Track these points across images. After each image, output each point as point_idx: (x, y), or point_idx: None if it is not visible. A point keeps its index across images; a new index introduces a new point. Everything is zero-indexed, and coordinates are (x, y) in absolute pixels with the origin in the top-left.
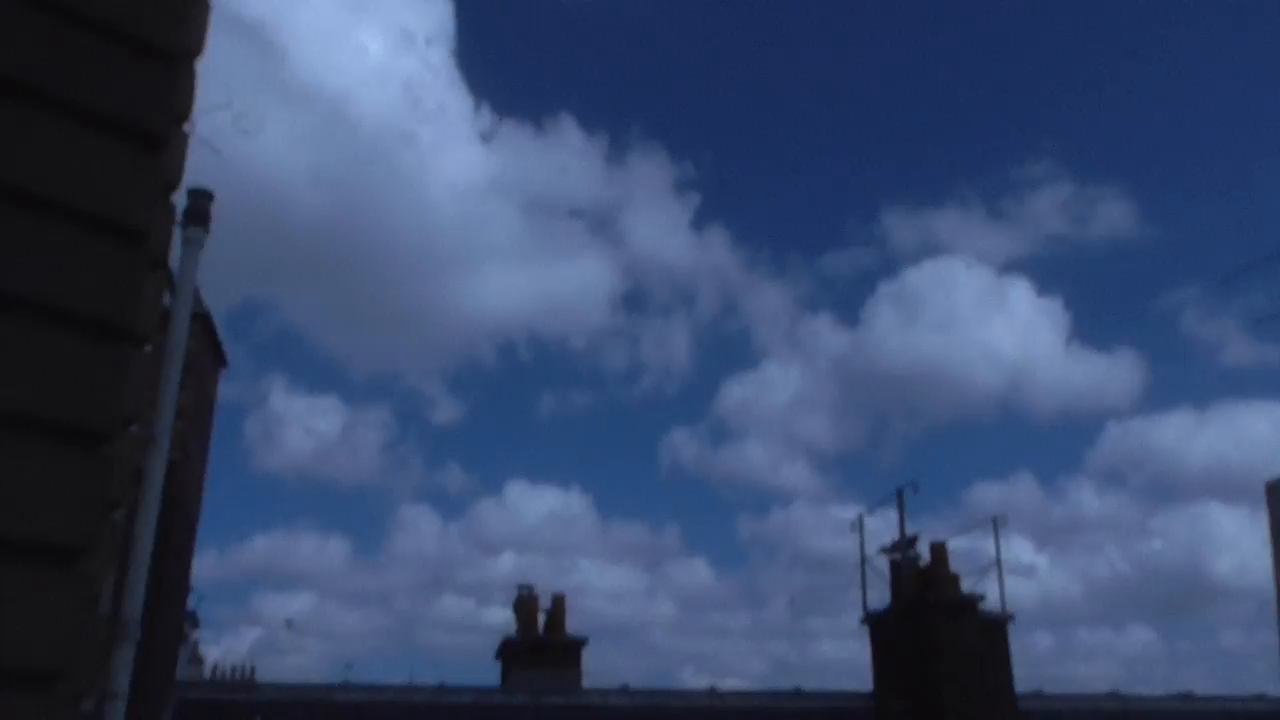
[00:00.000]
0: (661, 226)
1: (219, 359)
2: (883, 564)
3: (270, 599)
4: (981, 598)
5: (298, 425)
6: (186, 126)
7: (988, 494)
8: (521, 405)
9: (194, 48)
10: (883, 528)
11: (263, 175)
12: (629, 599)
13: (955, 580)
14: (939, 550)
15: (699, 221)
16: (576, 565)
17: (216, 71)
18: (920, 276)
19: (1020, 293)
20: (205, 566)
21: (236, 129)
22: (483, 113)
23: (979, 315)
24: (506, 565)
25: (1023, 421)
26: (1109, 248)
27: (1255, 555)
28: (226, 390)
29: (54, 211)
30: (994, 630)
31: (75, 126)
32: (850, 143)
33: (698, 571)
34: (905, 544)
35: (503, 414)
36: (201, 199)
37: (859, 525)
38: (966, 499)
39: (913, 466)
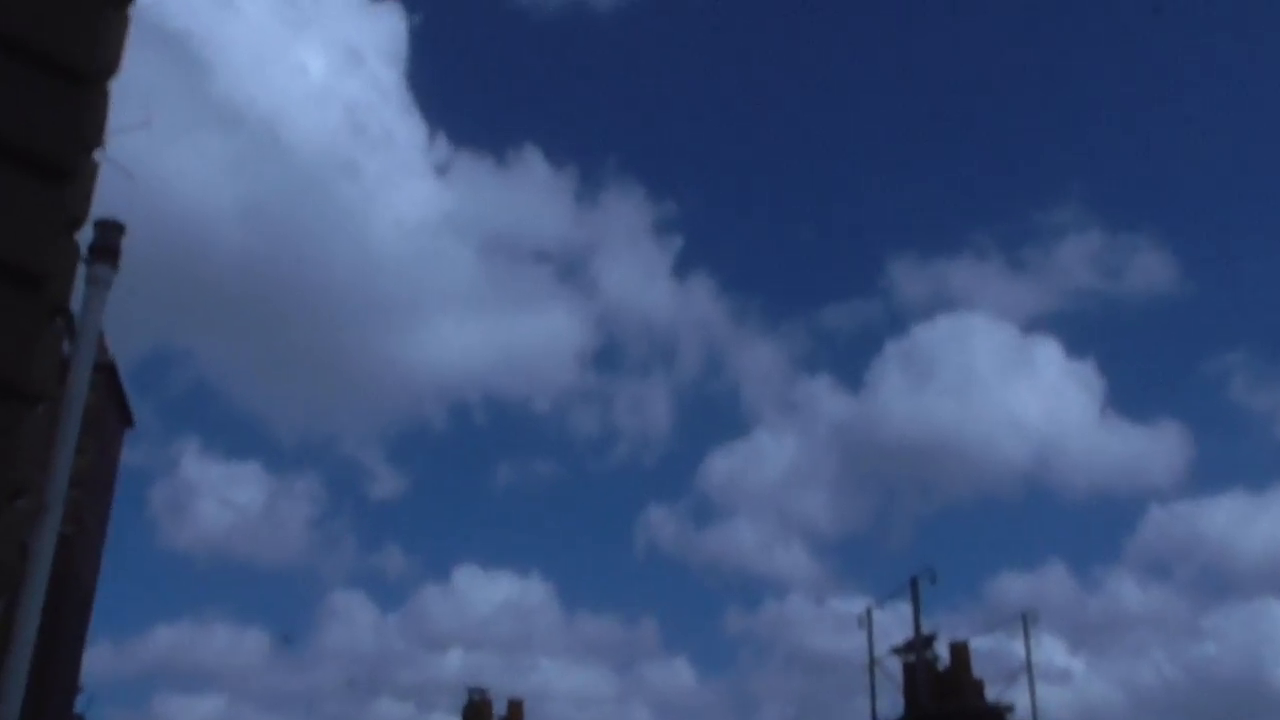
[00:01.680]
0: (638, 273)
1: (124, 417)
2: (895, 666)
3: (173, 701)
4: (1010, 708)
5: (212, 496)
6: (97, 154)
7: (1014, 586)
8: (474, 477)
9: (109, 67)
10: (894, 624)
11: (181, 206)
12: (598, 704)
13: (979, 686)
14: (960, 651)
15: (681, 268)
16: (536, 665)
17: (132, 87)
18: (932, 334)
19: (1048, 354)
20: (98, 660)
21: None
22: (438, 142)
23: (1001, 379)
24: (454, 664)
25: (1052, 502)
26: (1146, 304)
27: None
28: (131, 453)
29: None
30: None
31: None
32: (853, 182)
33: (678, 673)
34: (921, 643)
35: (452, 487)
36: (110, 232)
37: (867, 621)
38: (989, 592)
39: (927, 553)
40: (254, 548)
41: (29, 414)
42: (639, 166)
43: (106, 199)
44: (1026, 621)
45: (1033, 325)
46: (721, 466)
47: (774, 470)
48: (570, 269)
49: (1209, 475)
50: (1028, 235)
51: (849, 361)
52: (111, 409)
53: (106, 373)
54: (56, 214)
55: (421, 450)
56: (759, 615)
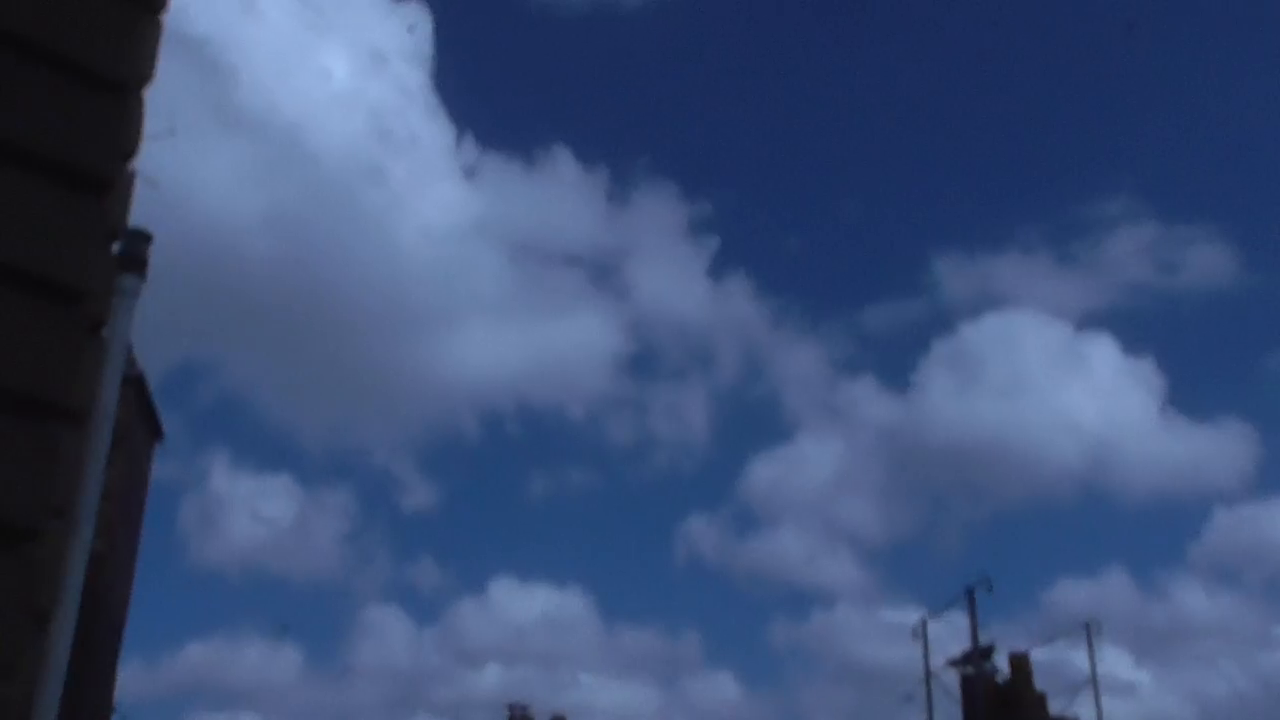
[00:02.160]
0: (673, 275)
1: (154, 430)
2: (951, 679)
3: (206, 719)
4: None
5: (243, 510)
6: (132, 165)
7: (1073, 595)
8: (509, 487)
9: (143, 75)
10: (949, 635)
11: (207, 215)
12: None
13: (1041, 700)
14: (1020, 663)
15: (717, 269)
16: (576, 680)
17: (155, 95)
18: (981, 332)
19: (1103, 351)
20: (131, 680)
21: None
22: (465, 144)
23: (1054, 378)
24: (491, 679)
25: (1111, 506)
26: (1206, 298)
27: None
28: (160, 467)
29: None
30: None
31: (5, 171)
32: (895, 176)
33: (722, 687)
34: (979, 655)
35: (486, 498)
36: (138, 242)
37: (922, 632)
38: (1047, 601)
39: (980, 561)
40: (286, 562)
41: (70, 433)
42: (672, 165)
43: (131, 209)
44: (1090, 631)
45: (1086, 322)
46: (763, 474)
47: (818, 477)
48: (603, 272)
49: (1277, 475)
50: (1076, 229)
51: (894, 363)
52: (141, 423)
53: (135, 386)
54: (95, 227)
55: (454, 460)
56: (806, 627)
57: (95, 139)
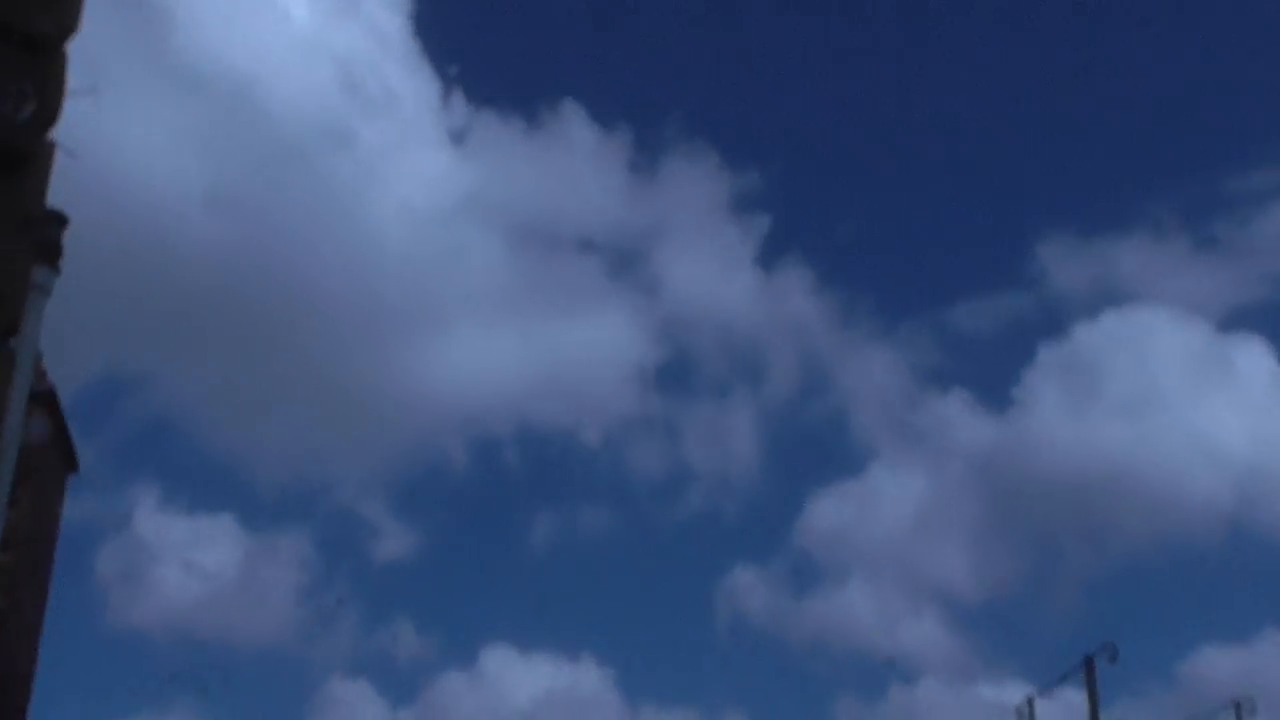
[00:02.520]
0: (713, 264)
1: (68, 460)
2: None
3: None
4: None
5: (176, 558)
6: (52, 134)
7: (1218, 664)
8: (507, 532)
9: (67, 26)
10: (1063, 715)
11: (135, 193)
12: None
13: None
14: None
15: (768, 256)
16: None
17: (74, 45)
18: (1099, 334)
19: (1253, 357)
20: None
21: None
22: (453, 102)
23: (1192, 391)
24: None
25: (1266, 552)
26: None
27: None
28: (74, 505)
29: None
30: None
31: None
32: (991, 143)
33: None
34: None
35: (478, 545)
36: (50, 226)
37: (1028, 713)
38: (1186, 672)
39: (1101, 623)
40: (229, 624)
41: None
42: (711, 126)
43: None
44: (1240, 712)
45: (1232, 320)
46: (827, 514)
47: (896, 518)
48: (625, 261)
49: None
50: (1220, 206)
51: (991, 373)
52: (52, 451)
53: (46, 404)
54: (8, 211)
55: (438, 498)
56: (882, 707)
57: (11, 105)
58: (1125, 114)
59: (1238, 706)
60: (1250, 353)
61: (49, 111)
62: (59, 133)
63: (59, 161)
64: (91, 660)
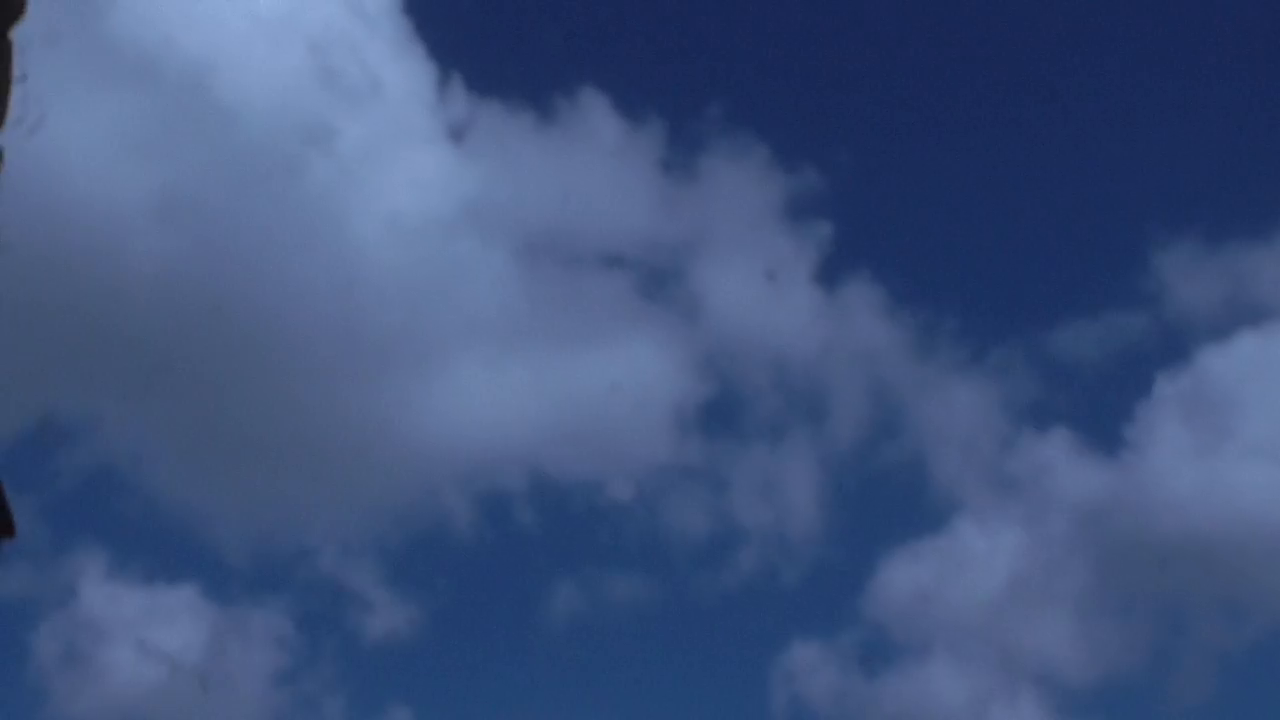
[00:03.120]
0: (764, 282)
1: (1, 524)
2: None
3: None
4: None
5: (128, 638)
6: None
7: None
8: (521, 603)
9: (13, 8)
10: None
11: (74, 202)
12: None
13: None
14: None
15: (831, 271)
16: None
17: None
18: (1231, 361)
19: None
20: None
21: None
22: (451, 92)
23: None
24: None
25: None
26: None
27: None
28: (9, 577)
29: None
30: None
31: None
32: (1097, 136)
33: None
34: None
35: (487, 619)
36: None
37: None
38: None
39: (1238, 702)
40: (193, 717)
41: None
42: (759, 117)
43: None
44: None
45: None
46: (903, 579)
47: (988, 583)
48: (659, 279)
49: None
50: None
51: (1100, 408)
52: None
53: None
54: None
55: (440, 565)
56: None
57: None
58: (1257, 102)
59: None
60: None
61: None
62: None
63: None
64: None
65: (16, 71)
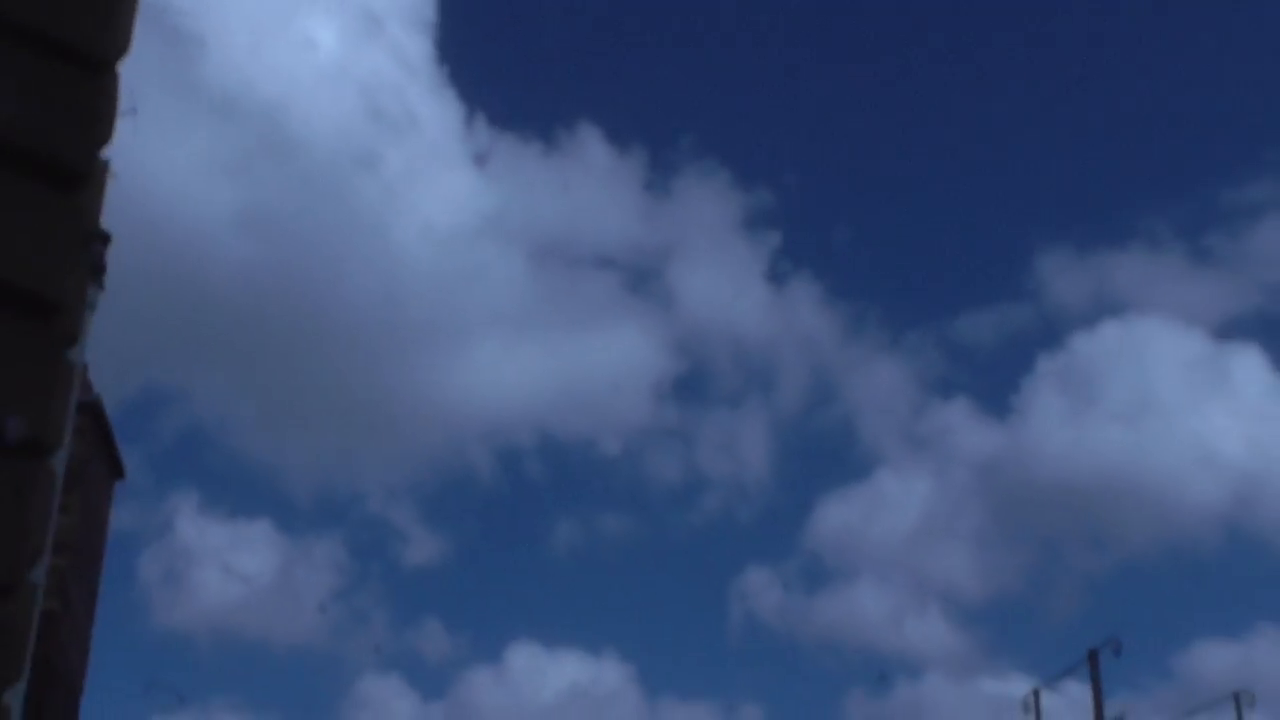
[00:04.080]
0: (726, 279)
1: (114, 468)
2: None
3: None
4: None
5: (215, 563)
6: (106, 153)
7: (1217, 659)
8: (531, 537)
9: (119, 47)
10: (1062, 708)
11: (171, 214)
12: None
13: None
14: None
15: (779, 271)
16: None
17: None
18: (1097, 344)
19: (1248, 365)
20: None
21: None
22: (476, 126)
23: (1189, 398)
24: None
25: (1260, 553)
26: None
27: None
28: (120, 512)
29: None
30: None
31: None
32: (991, 159)
33: None
34: None
35: (504, 550)
36: (96, 245)
37: (1034, 705)
38: (1185, 667)
39: (1102, 619)
40: (266, 625)
41: (43, 468)
42: (723, 146)
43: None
44: (1239, 704)
45: (1228, 330)
46: (836, 517)
47: (903, 521)
48: (642, 277)
49: None
50: (1214, 219)
51: (993, 382)
52: (99, 459)
53: (93, 414)
54: (71, 228)
55: (465, 506)
56: (890, 700)
57: (68, 123)
58: (1121, 130)
59: (1237, 699)
60: (1246, 361)
61: (104, 131)
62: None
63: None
64: (138, 658)
65: (123, 104)
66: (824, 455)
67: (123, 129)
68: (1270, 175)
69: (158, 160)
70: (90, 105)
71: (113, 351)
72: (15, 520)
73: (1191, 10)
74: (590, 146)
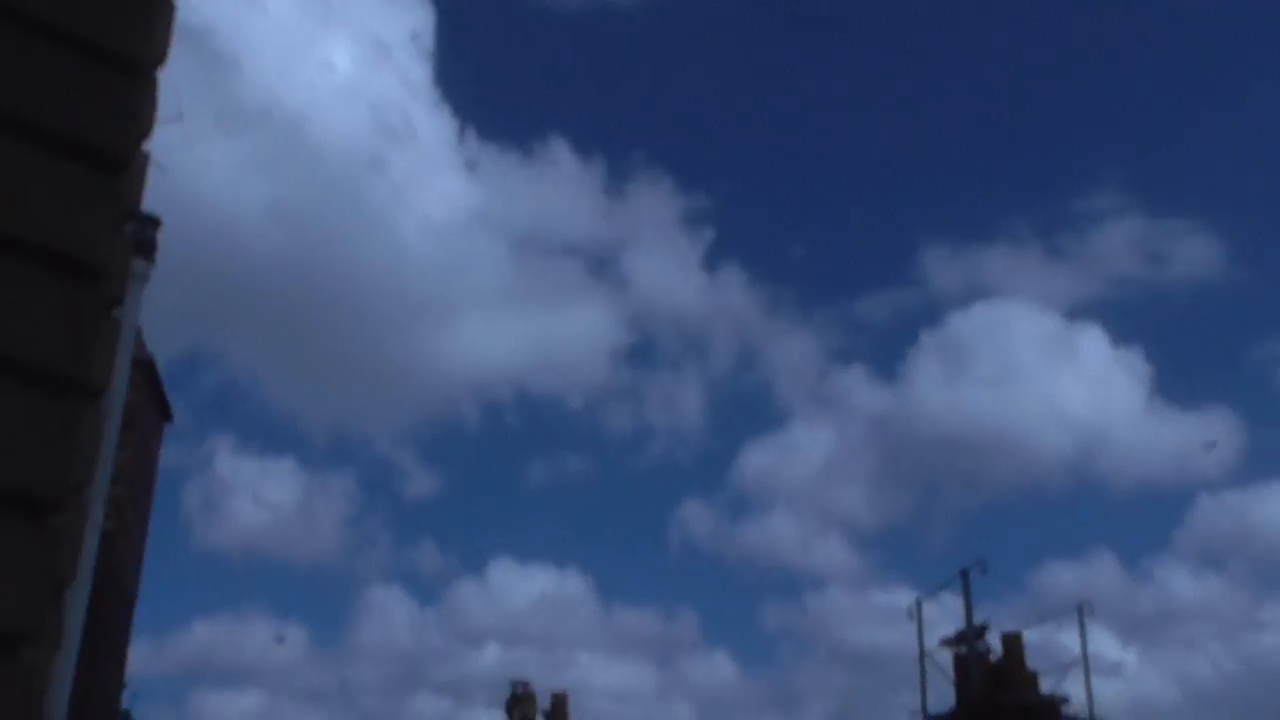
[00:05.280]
0: (669, 266)
1: (163, 413)
2: (945, 658)
3: (213, 697)
4: (1065, 700)
5: (247, 493)
6: (146, 145)
7: (1061, 577)
8: (508, 474)
9: (158, 55)
10: (938, 616)
11: (212, 205)
12: (639, 699)
13: (1033, 678)
14: (1013, 643)
15: (712, 260)
16: (574, 659)
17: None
18: (970, 323)
19: (1092, 342)
20: (139, 659)
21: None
22: (467, 137)
23: (1043, 368)
24: (491, 658)
25: (1100, 493)
26: (1193, 290)
27: None
28: (168, 451)
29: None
30: None
31: (27, 147)
32: (885, 169)
33: (719, 667)
34: (973, 634)
35: (486, 484)
36: (148, 226)
37: (916, 612)
38: (1035, 583)
39: (972, 545)
40: (290, 545)
41: (89, 410)
42: (667, 158)
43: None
44: (1082, 613)
45: (1075, 313)
46: (757, 461)
47: (810, 464)
48: (601, 263)
49: (1259, 463)
50: (1064, 222)
51: (884, 352)
52: (150, 405)
53: (145, 369)
54: (113, 206)
55: (455, 448)
56: (799, 609)
57: (113, 118)
58: (992, 147)
59: (1080, 609)
60: (1088, 337)
61: (144, 126)
62: (151, 150)
63: (152, 175)
64: (183, 572)
65: (171, 112)
66: (747, 410)
67: (171, 133)
68: (1110, 188)
69: (201, 160)
70: (132, 103)
71: (163, 318)
72: (65, 450)
73: (1053, 52)
74: (560, 156)
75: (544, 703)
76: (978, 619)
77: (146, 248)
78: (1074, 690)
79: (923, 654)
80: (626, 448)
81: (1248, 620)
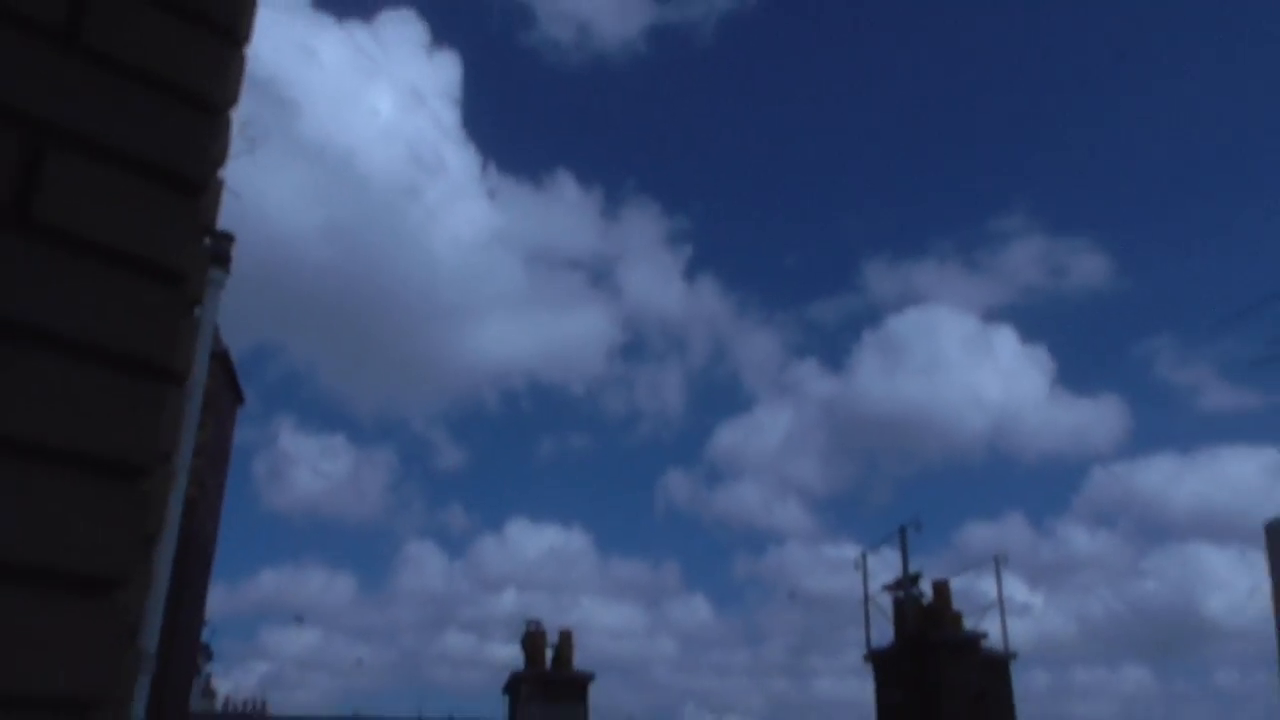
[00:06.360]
0: (656, 276)
1: (237, 398)
2: (885, 602)
3: (278, 634)
4: (984, 636)
5: (306, 465)
6: (221, 173)
7: (980, 534)
8: (522, 448)
9: (231, 97)
10: (881, 567)
11: (276, 225)
12: (630, 636)
13: (958, 618)
14: (942, 589)
15: (691, 271)
16: (578, 602)
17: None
18: (903, 324)
19: (1004, 340)
20: (216, 601)
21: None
22: (488, 170)
23: (964, 361)
24: (508, 602)
25: (1011, 464)
26: (1086, 298)
27: (1247, 596)
28: (240, 430)
29: (101, 254)
30: (997, 668)
31: (123, 173)
32: (833, 196)
33: (697, 608)
34: (908, 581)
35: (504, 456)
36: (223, 241)
37: (862, 563)
38: (959, 539)
39: (906, 507)
40: (341, 507)
41: (172, 391)
42: (654, 186)
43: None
44: (998, 564)
45: (990, 316)
46: (727, 438)
47: (772, 440)
48: (599, 275)
49: (1143, 440)
50: (981, 240)
51: (833, 348)
52: (226, 391)
53: (221, 360)
54: (194, 223)
55: (478, 427)
56: (763, 561)
57: (193, 149)
58: (922, 177)
59: (996, 560)
60: (1001, 337)
61: (219, 156)
62: (226, 178)
63: (227, 199)
64: (253, 530)
65: (243, 146)
66: (719, 396)
67: (243, 164)
68: (1018, 211)
69: (269, 187)
70: (209, 137)
71: (237, 318)
72: (153, 425)
73: (971, 93)
74: (564, 185)
75: (553, 638)
76: (912, 569)
77: (222, 259)
78: (991, 628)
79: (866, 598)
80: (620, 427)
81: (1132, 569)
